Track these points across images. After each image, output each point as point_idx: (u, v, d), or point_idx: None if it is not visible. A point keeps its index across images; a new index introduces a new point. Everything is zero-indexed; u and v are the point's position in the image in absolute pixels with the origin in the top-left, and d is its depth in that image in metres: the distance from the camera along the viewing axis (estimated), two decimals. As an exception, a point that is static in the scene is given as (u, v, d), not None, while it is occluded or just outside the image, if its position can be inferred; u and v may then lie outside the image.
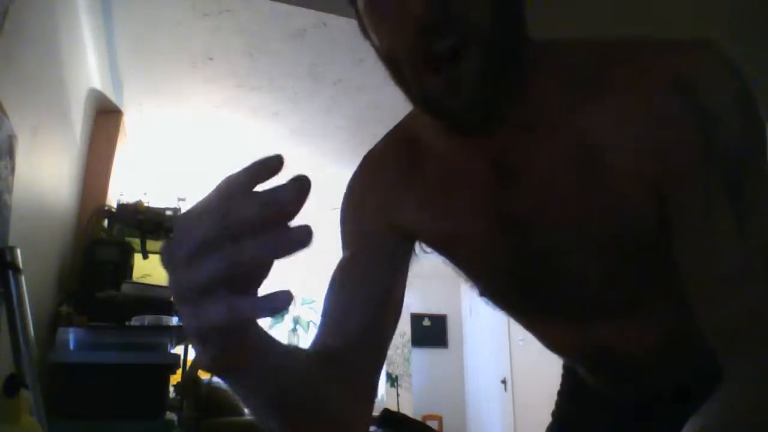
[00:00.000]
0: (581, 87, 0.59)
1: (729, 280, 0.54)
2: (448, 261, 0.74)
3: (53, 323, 2.33)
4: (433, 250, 0.74)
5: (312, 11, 2.63)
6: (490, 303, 0.77)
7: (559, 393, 0.96)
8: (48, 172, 2.33)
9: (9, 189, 1.63)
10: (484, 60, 0.54)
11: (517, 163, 0.62)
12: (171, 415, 2.26)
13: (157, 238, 3.18)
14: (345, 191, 0.78)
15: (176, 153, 4.46)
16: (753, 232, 0.53)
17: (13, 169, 1.66)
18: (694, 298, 0.57)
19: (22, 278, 1.55)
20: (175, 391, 2.74)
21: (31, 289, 1.67)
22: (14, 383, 1.30)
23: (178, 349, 2.82)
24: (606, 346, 0.71)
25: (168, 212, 3.19)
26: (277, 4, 2.50)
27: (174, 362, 2.29)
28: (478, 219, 0.66)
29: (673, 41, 0.58)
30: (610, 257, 0.62)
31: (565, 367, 0.95)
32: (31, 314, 1.57)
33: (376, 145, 0.78)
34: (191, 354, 3.04)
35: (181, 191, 3.64)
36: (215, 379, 3.24)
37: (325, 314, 0.68)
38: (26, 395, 1.32)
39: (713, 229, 0.54)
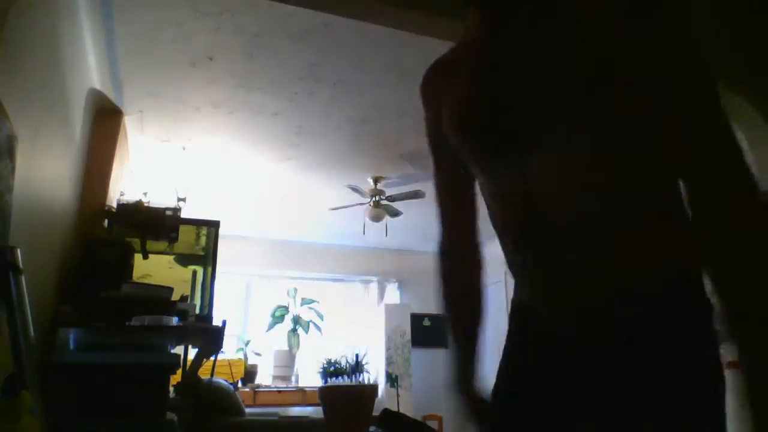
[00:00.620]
0: None
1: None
2: (447, 130, 0.92)
3: (53, 323, 2.33)
4: (446, 127, 0.92)
5: (313, 11, 2.63)
6: (463, 155, 0.94)
7: (504, 350, 0.95)
8: (48, 172, 2.34)
9: (9, 189, 1.63)
10: None
11: (505, 24, 0.84)
12: (171, 415, 2.26)
13: (157, 238, 3.18)
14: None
15: (176, 153, 4.46)
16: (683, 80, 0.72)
17: (13, 170, 1.66)
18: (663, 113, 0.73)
19: (22, 278, 1.55)
20: (175, 391, 2.74)
21: (31, 289, 1.67)
22: (14, 383, 1.30)
23: (178, 349, 2.82)
24: (538, 193, 0.79)
25: (168, 212, 3.19)
26: (277, 4, 2.50)
27: (174, 362, 2.29)
28: (472, 75, 0.87)
29: None
30: (554, 90, 0.78)
31: (510, 315, 0.95)
32: (31, 314, 1.57)
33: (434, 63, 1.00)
34: (191, 354, 3.04)
35: (181, 191, 3.64)
36: (215, 379, 3.24)
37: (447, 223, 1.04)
38: (26, 395, 1.32)
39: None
